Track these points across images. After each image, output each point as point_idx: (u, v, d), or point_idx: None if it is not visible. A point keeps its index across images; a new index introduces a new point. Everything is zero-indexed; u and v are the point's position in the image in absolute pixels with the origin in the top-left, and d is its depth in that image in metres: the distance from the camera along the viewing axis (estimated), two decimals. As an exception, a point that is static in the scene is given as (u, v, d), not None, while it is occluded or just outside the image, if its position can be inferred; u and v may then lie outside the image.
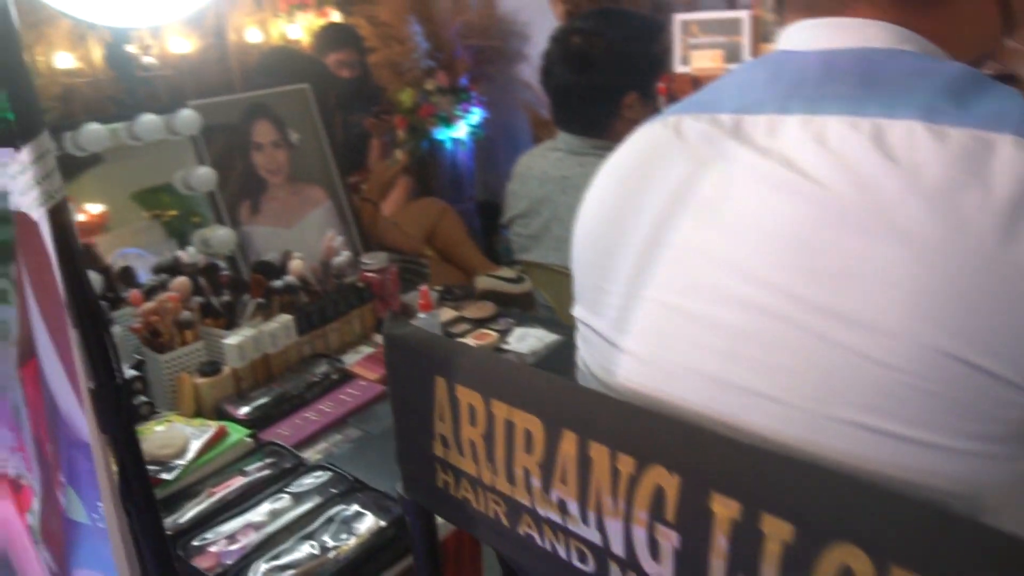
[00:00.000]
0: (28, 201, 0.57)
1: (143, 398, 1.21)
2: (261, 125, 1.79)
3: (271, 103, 1.82)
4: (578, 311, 0.72)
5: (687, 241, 0.60)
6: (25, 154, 0.56)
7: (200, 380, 1.37)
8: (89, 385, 0.63)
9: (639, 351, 0.61)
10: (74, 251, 0.58)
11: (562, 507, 0.60)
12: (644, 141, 0.69)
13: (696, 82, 2.54)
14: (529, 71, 3.61)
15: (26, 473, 1.06)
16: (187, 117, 1.60)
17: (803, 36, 0.64)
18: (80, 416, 0.67)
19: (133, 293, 1.40)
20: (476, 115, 3.79)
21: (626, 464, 0.55)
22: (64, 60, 2.55)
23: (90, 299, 0.60)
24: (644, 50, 1.58)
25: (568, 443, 0.58)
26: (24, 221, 0.60)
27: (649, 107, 1.61)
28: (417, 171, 3.40)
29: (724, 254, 0.57)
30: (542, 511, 0.62)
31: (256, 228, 1.76)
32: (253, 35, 3.22)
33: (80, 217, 1.57)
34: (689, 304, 0.58)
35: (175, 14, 1.49)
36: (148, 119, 1.53)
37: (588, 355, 0.69)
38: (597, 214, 0.70)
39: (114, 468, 0.67)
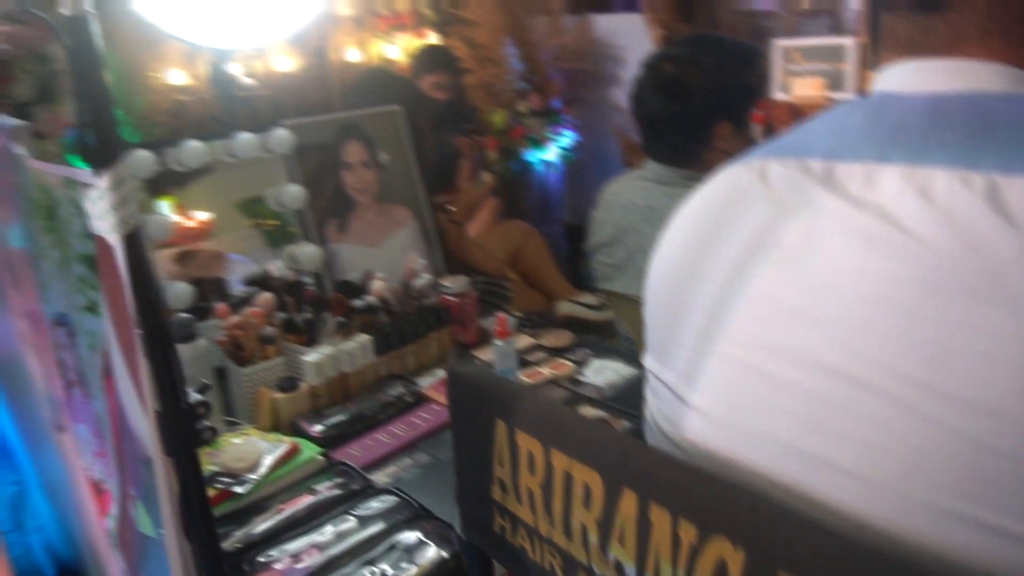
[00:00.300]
0: (105, 226, 0.59)
1: (207, 423, 1.25)
2: (352, 145, 1.83)
3: (363, 124, 1.85)
4: (648, 361, 0.68)
5: (765, 294, 0.56)
6: (104, 180, 0.57)
7: (278, 395, 1.39)
8: (155, 407, 0.64)
9: (709, 409, 0.58)
10: (147, 278, 0.59)
11: (619, 569, 0.57)
12: (725, 184, 0.65)
13: (796, 110, 2.45)
14: (622, 95, 3.58)
15: (107, 478, 1.10)
16: (280, 136, 1.64)
17: (905, 78, 0.59)
18: (147, 434, 0.68)
19: (220, 307, 1.44)
20: (567, 138, 3.78)
21: (688, 532, 0.51)
22: (176, 77, 2.68)
23: (161, 325, 0.61)
24: (738, 79, 1.53)
25: (628, 503, 0.55)
26: (102, 243, 0.61)
27: (742, 137, 1.56)
28: (506, 193, 3.41)
29: (808, 312, 0.53)
30: (598, 570, 0.59)
31: (342, 246, 1.79)
32: (353, 55, 3.31)
33: (189, 223, 1.63)
34: (766, 363, 0.54)
35: (274, 36, 1.54)
36: (244, 138, 1.58)
37: (656, 408, 0.66)
38: (671, 259, 0.67)
39: (176, 489, 0.67)
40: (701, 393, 0.58)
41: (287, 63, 3.06)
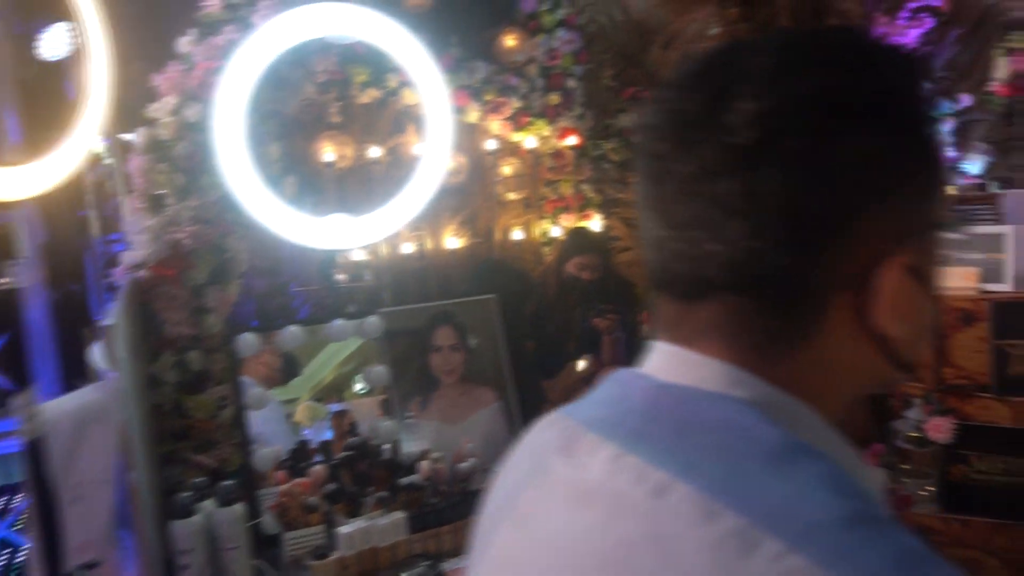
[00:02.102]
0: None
1: None
2: (443, 330, 2.02)
3: (456, 310, 2.05)
4: None
5: (501, 554, 0.60)
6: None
7: (313, 562, 1.54)
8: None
9: None
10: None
11: None
12: (528, 436, 0.69)
13: (942, 303, 2.26)
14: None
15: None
16: (372, 323, 1.88)
17: (655, 360, 0.60)
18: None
19: (278, 473, 1.65)
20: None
21: None
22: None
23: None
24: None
25: None
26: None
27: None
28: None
29: (528, 571, 0.56)
30: None
31: (424, 422, 1.95)
32: (517, 235, 3.60)
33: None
34: None
35: (368, 241, 1.81)
36: (339, 324, 1.84)
37: None
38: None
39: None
40: None
41: (456, 243, 3.41)
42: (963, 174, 2.81)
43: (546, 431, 0.65)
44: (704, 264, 0.53)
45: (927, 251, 0.54)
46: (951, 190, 2.62)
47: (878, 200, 0.51)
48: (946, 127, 2.87)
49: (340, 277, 1.95)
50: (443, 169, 1.98)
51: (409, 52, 1.90)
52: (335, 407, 2.02)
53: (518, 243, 3.57)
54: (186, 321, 1.95)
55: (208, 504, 1.48)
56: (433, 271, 2.60)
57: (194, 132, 1.90)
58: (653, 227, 0.56)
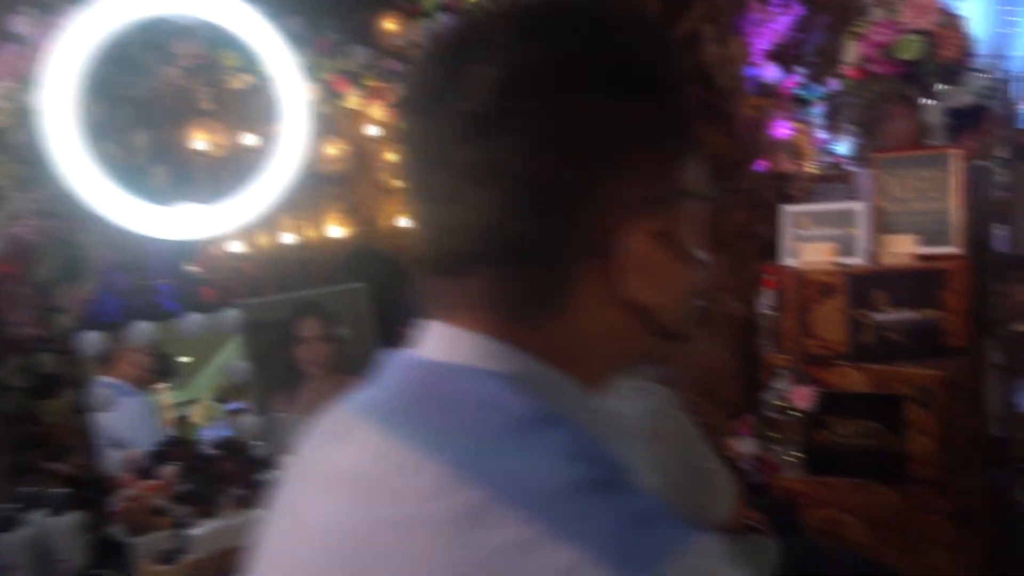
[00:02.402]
0: None
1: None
2: (308, 321, 1.97)
3: (323, 300, 2.00)
4: None
5: (270, 544, 0.59)
6: None
7: (159, 567, 1.47)
8: None
9: None
10: None
11: None
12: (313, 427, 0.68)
13: (802, 277, 2.36)
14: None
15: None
16: (230, 316, 1.81)
17: (425, 338, 0.58)
18: None
19: (126, 476, 1.57)
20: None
21: None
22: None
23: None
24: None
25: None
26: None
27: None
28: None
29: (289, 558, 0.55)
30: None
31: (290, 416, 1.89)
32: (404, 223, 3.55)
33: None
34: None
35: (220, 231, 1.74)
36: (194, 318, 1.76)
37: None
38: None
39: None
40: None
41: (339, 232, 3.33)
42: (832, 154, 2.94)
43: (324, 420, 0.64)
44: (459, 237, 0.52)
45: (679, 218, 0.54)
46: (800, 165, 2.72)
47: (616, 166, 0.51)
48: (817, 110, 3.00)
49: (195, 269, 1.86)
50: (300, 157, 1.91)
51: (252, 30, 1.83)
52: (234, 406, 1.94)
53: (405, 231, 3.53)
54: (33, 321, 1.85)
55: (39, 515, 1.38)
56: (315, 261, 2.53)
57: (34, 119, 1.78)
58: (414, 201, 0.55)
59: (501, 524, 0.43)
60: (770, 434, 2.39)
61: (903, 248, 2.35)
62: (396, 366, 0.59)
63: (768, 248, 2.61)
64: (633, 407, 1.39)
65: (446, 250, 0.53)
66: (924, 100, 2.40)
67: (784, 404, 2.31)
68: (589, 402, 0.54)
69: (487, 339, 0.53)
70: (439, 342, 0.55)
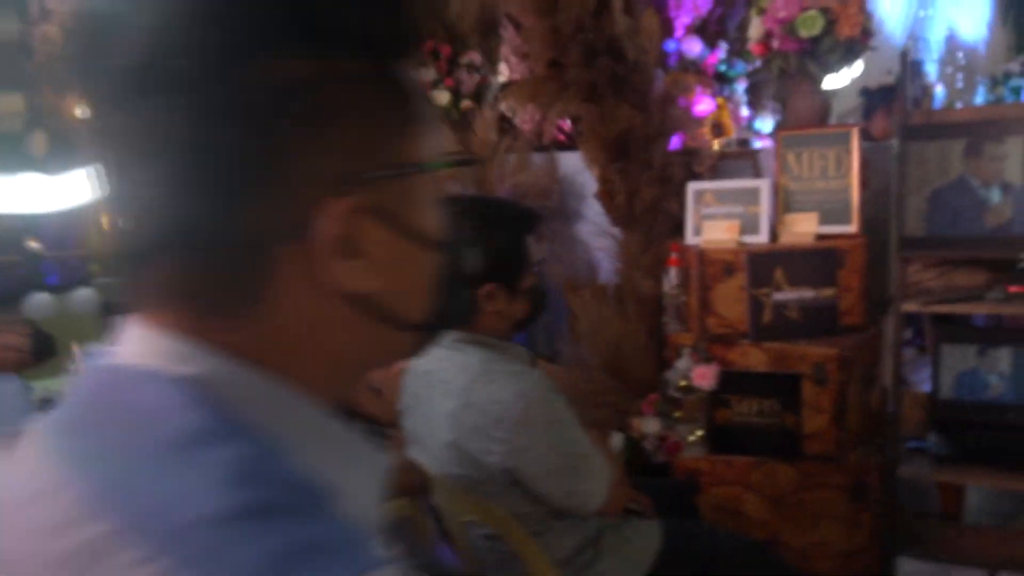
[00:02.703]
0: None
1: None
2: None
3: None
4: None
5: None
6: None
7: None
8: None
9: None
10: None
11: None
12: None
13: (703, 256, 2.34)
14: (587, 230, 3.51)
15: None
16: (82, 296, 1.68)
17: (120, 338, 0.49)
18: None
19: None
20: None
21: None
22: None
23: None
24: (507, 242, 1.46)
25: None
26: None
27: (516, 301, 1.47)
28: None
29: None
30: None
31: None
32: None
33: None
34: None
35: (66, 203, 1.60)
36: (39, 298, 1.63)
37: None
38: None
39: None
40: None
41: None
42: (754, 131, 2.93)
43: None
44: (134, 220, 0.44)
45: (399, 193, 0.46)
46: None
47: (309, 136, 0.42)
48: (739, 86, 2.98)
49: (35, 246, 1.72)
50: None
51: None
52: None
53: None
54: None
55: None
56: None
57: None
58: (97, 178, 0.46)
59: (123, 562, 0.36)
60: (674, 414, 2.37)
61: (805, 227, 2.34)
62: (87, 371, 0.51)
63: (678, 226, 2.58)
64: (504, 391, 1.33)
65: (126, 235, 0.45)
66: (826, 77, 2.39)
67: (687, 383, 2.30)
68: (302, 407, 0.46)
69: (174, 339, 0.45)
70: (128, 343, 0.47)
